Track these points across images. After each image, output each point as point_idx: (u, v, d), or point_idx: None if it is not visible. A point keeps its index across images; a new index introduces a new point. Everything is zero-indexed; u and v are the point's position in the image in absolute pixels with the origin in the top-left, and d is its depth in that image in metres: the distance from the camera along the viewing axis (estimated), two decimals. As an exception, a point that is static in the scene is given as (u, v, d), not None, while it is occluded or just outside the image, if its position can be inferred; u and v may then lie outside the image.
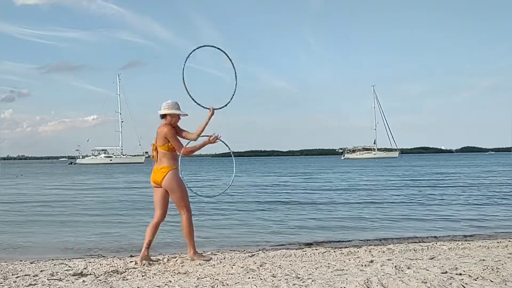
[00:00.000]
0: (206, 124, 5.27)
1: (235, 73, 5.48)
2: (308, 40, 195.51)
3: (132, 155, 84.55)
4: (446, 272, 4.06)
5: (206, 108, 5.28)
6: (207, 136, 5.33)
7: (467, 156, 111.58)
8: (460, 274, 4.01)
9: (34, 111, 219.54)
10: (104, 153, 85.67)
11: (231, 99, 5.39)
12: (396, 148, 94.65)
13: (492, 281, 3.79)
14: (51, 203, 14.30)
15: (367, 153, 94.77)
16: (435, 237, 7.56)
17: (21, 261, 5.72)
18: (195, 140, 5.33)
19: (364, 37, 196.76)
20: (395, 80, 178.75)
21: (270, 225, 9.27)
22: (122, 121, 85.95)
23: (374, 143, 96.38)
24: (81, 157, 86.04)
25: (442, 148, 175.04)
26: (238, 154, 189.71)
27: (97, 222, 10.07)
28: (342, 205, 12.60)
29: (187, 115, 5.35)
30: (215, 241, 7.63)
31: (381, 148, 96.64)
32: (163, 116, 5.28)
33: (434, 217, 10.21)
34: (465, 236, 7.64)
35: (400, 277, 3.86)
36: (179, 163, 5.29)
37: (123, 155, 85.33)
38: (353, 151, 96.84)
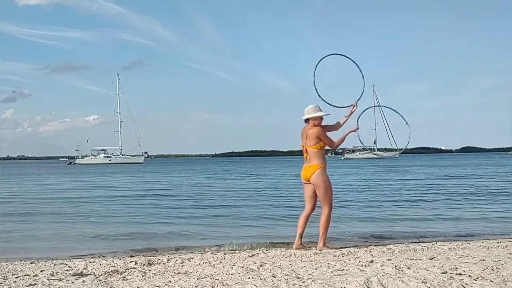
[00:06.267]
0: (349, 117, 6.09)
1: (362, 75, 6.33)
2: (309, 39, 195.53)
3: (132, 155, 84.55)
4: (446, 272, 4.07)
5: (339, 107, 6.14)
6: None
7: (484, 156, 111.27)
8: (460, 274, 4.02)
9: (35, 111, 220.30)
10: (104, 153, 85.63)
11: (361, 95, 6.24)
12: (396, 148, 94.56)
13: (492, 281, 3.80)
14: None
15: (367, 153, 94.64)
16: (435, 237, 7.57)
17: (21, 261, 5.73)
18: (337, 129, 6.06)
19: (365, 37, 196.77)
20: (395, 80, 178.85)
21: (270, 225, 9.29)
22: (122, 121, 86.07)
23: (374, 143, 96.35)
24: (80, 157, 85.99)
25: (442, 148, 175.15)
26: (237, 154, 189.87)
27: (97, 222, 10.08)
28: (341, 205, 12.60)
29: (329, 114, 6.00)
30: (214, 241, 7.65)
31: (381, 148, 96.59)
32: (307, 120, 5.90)
33: (435, 217, 10.22)
34: (465, 236, 7.65)
35: (400, 277, 3.86)
36: (327, 162, 5.90)
37: (122, 155, 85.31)
38: (353, 151, 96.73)
